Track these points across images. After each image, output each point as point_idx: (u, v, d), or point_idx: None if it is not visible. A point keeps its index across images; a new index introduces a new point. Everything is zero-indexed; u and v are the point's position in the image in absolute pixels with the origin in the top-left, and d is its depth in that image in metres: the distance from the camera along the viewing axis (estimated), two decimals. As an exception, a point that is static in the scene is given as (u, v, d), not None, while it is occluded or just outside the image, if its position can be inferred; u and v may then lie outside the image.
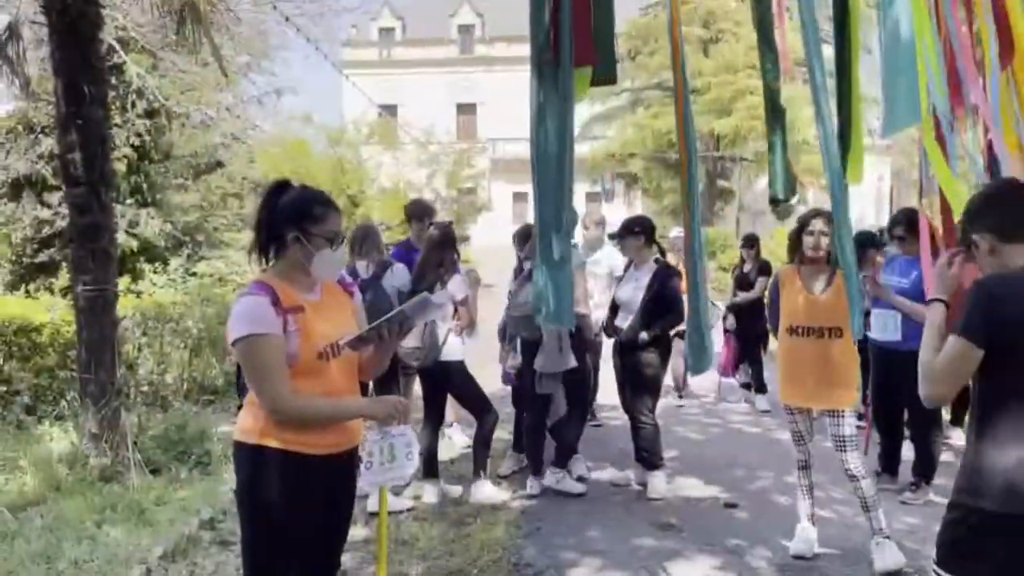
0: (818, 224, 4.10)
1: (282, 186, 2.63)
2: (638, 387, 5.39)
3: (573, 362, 5.13)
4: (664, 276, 5.41)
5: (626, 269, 5.76)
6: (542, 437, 5.42)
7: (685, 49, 2.59)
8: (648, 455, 5.39)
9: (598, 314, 5.85)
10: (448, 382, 5.30)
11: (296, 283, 2.55)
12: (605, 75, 2.78)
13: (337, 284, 2.73)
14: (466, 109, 41.62)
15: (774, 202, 3.32)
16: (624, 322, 5.45)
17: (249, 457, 2.51)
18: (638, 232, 5.50)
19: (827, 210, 4.04)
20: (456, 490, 5.32)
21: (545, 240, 2.60)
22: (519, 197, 36.06)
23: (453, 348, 5.14)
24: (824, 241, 4.06)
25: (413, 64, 41.12)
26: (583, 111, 34.27)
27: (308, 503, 2.51)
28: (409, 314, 2.63)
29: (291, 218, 2.53)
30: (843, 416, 4.10)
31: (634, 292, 5.43)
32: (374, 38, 42.56)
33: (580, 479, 5.47)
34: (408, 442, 2.62)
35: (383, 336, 2.59)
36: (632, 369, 5.38)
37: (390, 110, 31.06)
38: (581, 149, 35.74)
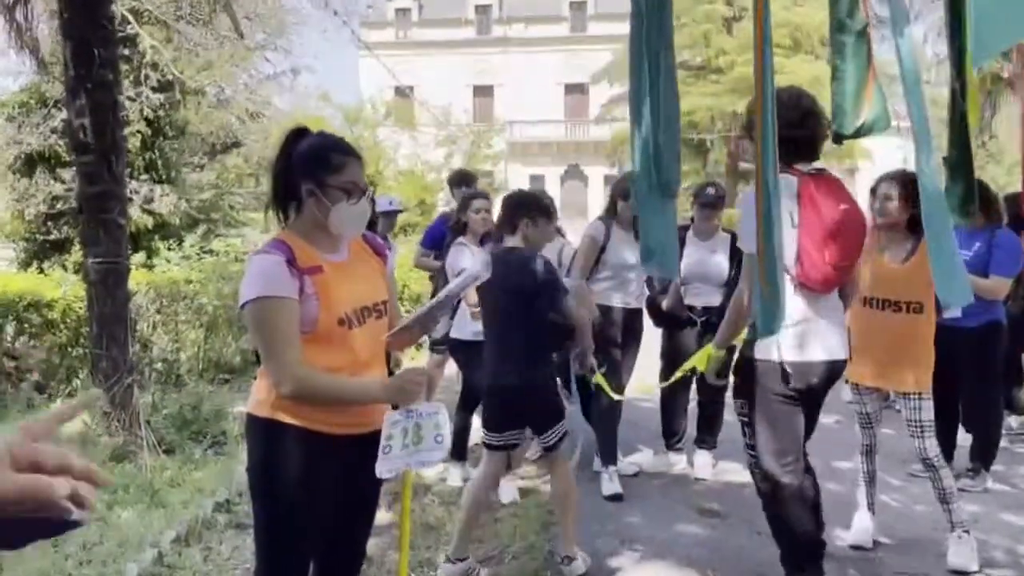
0: (883, 187, 3.72)
1: (299, 133, 2.34)
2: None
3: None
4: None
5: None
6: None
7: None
8: (711, 437, 5.25)
9: None
10: (456, 360, 5.03)
11: (317, 241, 2.26)
12: None
13: (368, 245, 2.45)
14: (483, 91, 41.22)
15: (837, 139, 3.03)
16: (695, 297, 5.01)
17: (262, 431, 2.25)
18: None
19: (902, 171, 3.73)
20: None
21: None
22: (535, 179, 35.75)
23: (466, 326, 4.68)
24: (891, 206, 3.65)
25: (430, 45, 40.76)
26: (601, 93, 33.79)
27: (325, 485, 2.25)
28: (456, 291, 2.48)
29: (306, 168, 2.25)
30: (921, 399, 3.70)
31: (702, 264, 4.98)
32: (391, 18, 42.19)
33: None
34: (438, 423, 2.27)
35: (427, 329, 2.30)
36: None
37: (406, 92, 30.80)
38: (601, 131, 35.43)
